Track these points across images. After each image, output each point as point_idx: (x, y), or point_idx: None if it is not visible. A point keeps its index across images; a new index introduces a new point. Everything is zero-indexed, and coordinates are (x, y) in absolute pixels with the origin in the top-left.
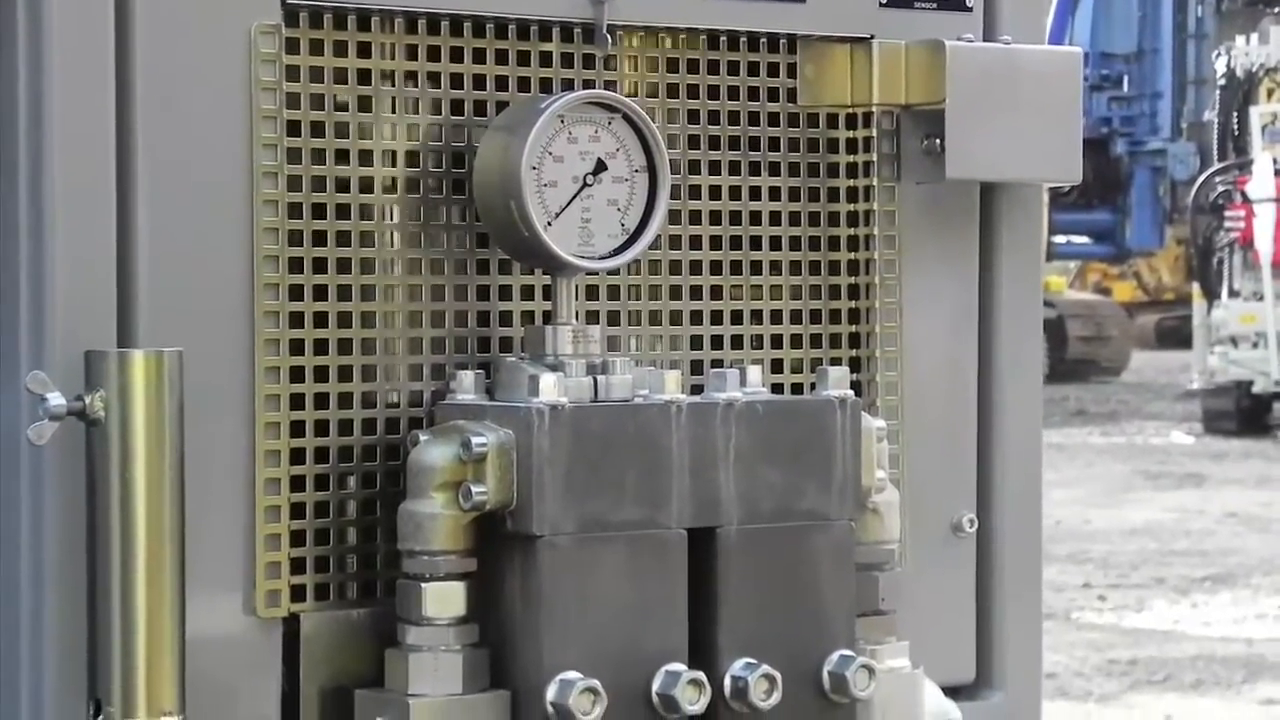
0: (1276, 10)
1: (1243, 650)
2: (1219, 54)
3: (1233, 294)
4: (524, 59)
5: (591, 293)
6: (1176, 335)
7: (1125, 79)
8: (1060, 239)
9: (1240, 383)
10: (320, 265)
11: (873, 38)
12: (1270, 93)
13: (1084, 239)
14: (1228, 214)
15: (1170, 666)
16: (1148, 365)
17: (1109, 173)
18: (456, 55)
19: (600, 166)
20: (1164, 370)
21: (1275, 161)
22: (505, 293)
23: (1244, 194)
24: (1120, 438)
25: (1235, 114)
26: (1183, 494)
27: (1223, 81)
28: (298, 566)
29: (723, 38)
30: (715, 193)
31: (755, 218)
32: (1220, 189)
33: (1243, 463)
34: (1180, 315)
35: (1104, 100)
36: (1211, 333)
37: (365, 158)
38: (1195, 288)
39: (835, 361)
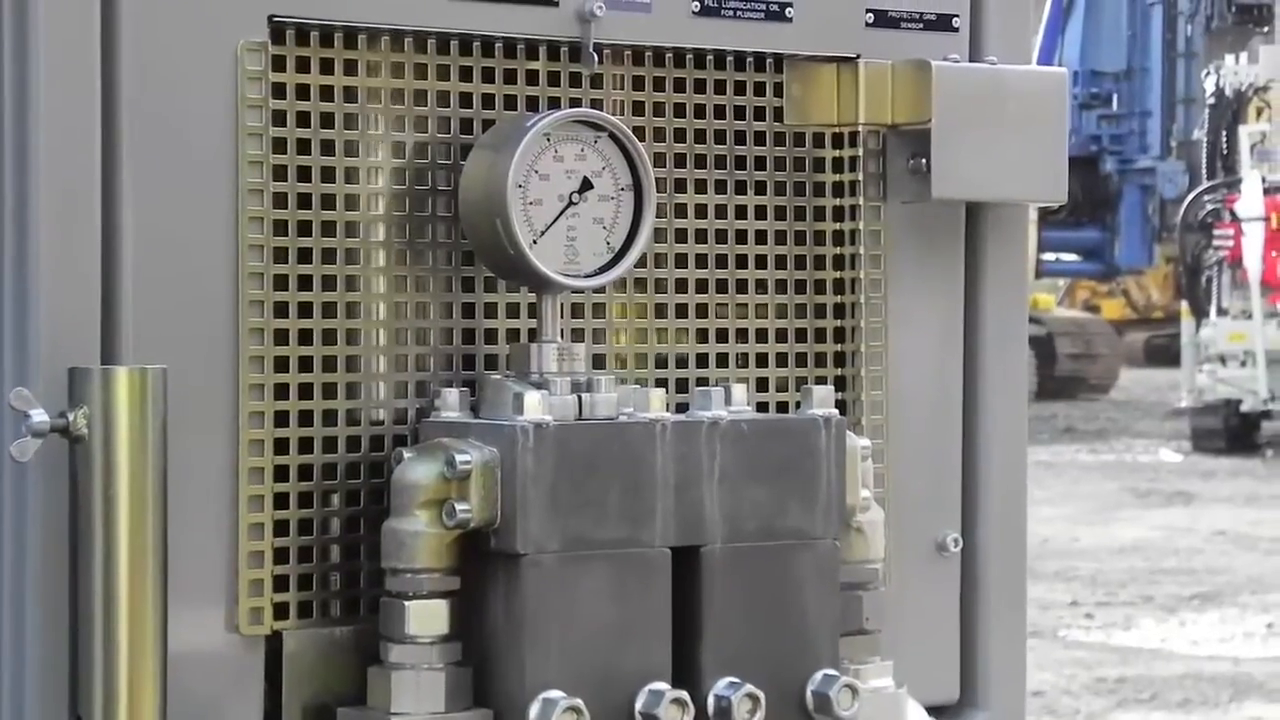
0: (1266, 30)
1: (1230, 669)
2: (1208, 73)
3: (1221, 312)
4: (510, 77)
5: (577, 310)
6: (1165, 353)
7: (1115, 97)
8: (1049, 256)
9: (1229, 401)
10: (305, 282)
11: (859, 57)
12: (1259, 112)
13: (1073, 256)
14: (1216, 232)
15: (1158, 685)
16: (1136, 383)
17: (1098, 191)
18: (443, 73)
19: (586, 185)
20: (1152, 388)
21: (1264, 180)
22: (490, 310)
23: (1233, 212)
24: (1109, 455)
25: (1224, 133)
26: (1171, 512)
27: (1212, 100)
28: (281, 584)
29: (709, 57)
30: (701, 211)
31: (741, 236)
32: (1209, 207)
33: (1231, 481)
34: (1169, 333)
35: (1093, 118)
36: (1200, 351)
37: (351, 175)
38: (1184, 306)
39: (820, 380)
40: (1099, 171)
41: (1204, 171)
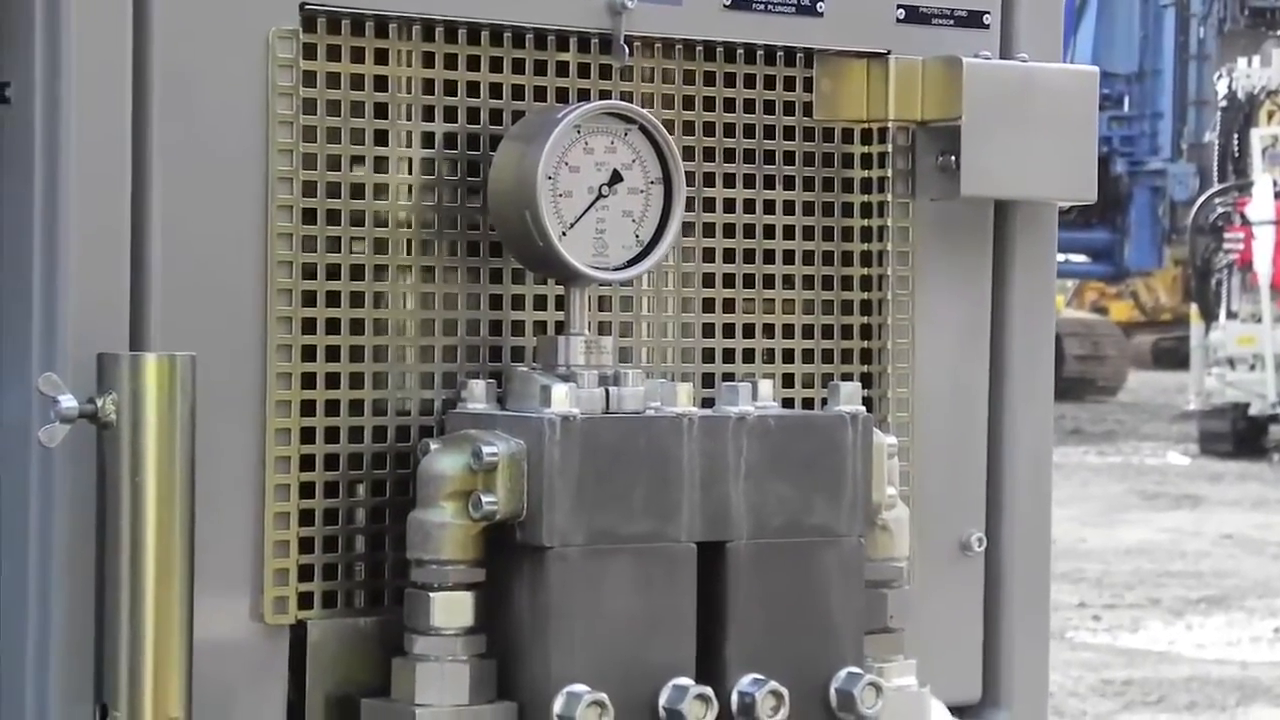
0: (1279, 33)
1: (1237, 673)
2: (1220, 75)
3: (1230, 315)
4: (541, 68)
5: (605, 304)
6: (1173, 356)
7: (1126, 99)
8: (1059, 257)
9: (1237, 404)
10: (334, 271)
11: (889, 53)
12: (1271, 115)
13: (1082, 258)
14: (1227, 235)
15: (1164, 688)
16: (1144, 385)
17: (1108, 192)
18: (473, 63)
19: (616, 177)
20: (1160, 391)
21: (1275, 184)
22: (518, 302)
23: (1243, 216)
24: (1116, 457)
25: (1236, 136)
26: (1178, 515)
27: (1224, 103)
28: (306, 573)
29: (740, 50)
30: (730, 206)
31: (769, 231)
32: (1220, 210)
33: (1238, 484)
34: (1177, 336)
35: (1104, 120)
36: (1209, 354)
37: (381, 164)
38: (1193, 309)
39: (847, 377)
40: (1109, 173)
41: (1215, 174)
